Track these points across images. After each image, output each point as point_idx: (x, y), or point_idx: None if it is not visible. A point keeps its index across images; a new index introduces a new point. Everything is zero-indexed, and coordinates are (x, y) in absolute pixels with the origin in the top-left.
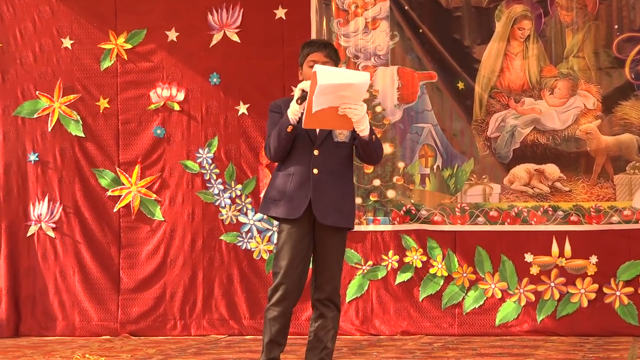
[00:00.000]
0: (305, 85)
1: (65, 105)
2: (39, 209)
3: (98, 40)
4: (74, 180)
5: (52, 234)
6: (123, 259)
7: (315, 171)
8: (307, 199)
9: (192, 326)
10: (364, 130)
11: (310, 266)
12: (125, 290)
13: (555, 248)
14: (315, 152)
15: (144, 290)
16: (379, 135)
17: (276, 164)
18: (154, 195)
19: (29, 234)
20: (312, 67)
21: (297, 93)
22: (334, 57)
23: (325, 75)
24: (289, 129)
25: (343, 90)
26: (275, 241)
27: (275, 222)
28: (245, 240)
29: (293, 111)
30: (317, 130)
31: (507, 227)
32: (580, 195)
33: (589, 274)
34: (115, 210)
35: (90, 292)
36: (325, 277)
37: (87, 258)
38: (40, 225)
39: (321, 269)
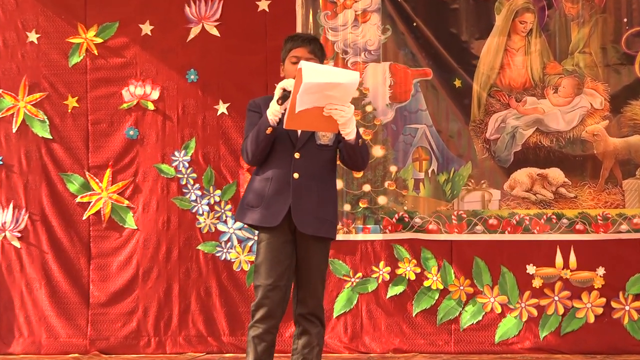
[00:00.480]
0: (286, 84)
1: (31, 105)
2: (3, 217)
3: (66, 34)
4: (40, 185)
5: (17, 243)
6: (93, 271)
7: (296, 176)
8: (286, 205)
9: (167, 343)
10: (350, 134)
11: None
12: (95, 304)
13: (559, 259)
14: (296, 156)
15: (116, 304)
16: (368, 137)
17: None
18: (126, 202)
19: None
20: (295, 63)
21: (277, 92)
22: (319, 53)
23: (312, 72)
24: (269, 130)
25: (330, 89)
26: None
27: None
28: (225, 250)
29: (273, 111)
30: (299, 131)
31: (507, 237)
32: (587, 201)
33: (595, 287)
34: (84, 217)
35: (58, 306)
36: (308, 290)
37: (55, 270)
38: (5, 235)
39: (303, 282)
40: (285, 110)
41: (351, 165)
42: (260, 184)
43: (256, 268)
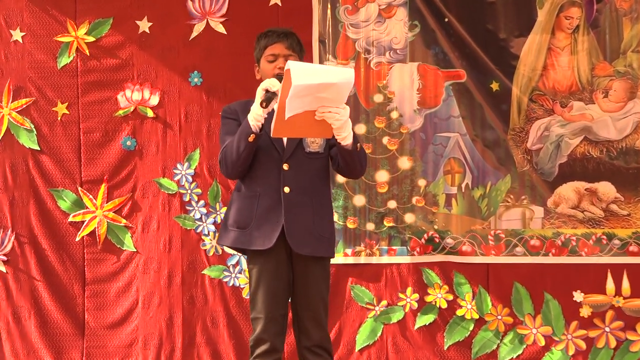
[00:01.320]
0: (268, 84)
1: (16, 112)
2: None
3: (54, 32)
4: (28, 202)
5: (2, 268)
6: (88, 298)
7: (287, 190)
8: (279, 224)
9: None
10: (346, 138)
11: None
12: (90, 335)
13: (610, 285)
14: (285, 167)
15: (113, 335)
16: (394, 148)
17: None
18: (124, 221)
19: None
20: (271, 62)
21: (259, 94)
22: (297, 48)
23: (301, 73)
24: (251, 137)
25: (322, 91)
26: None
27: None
28: (233, 275)
29: (255, 116)
30: (285, 139)
31: (551, 259)
32: None
33: None
34: (77, 239)
35: (49, 338)
36: (310, 319)
37: (45, 297)
38: None
39: (304, 310)
40: (267, 114)
41: (347, 172)
42: (246, 201)
43: (251, 298)
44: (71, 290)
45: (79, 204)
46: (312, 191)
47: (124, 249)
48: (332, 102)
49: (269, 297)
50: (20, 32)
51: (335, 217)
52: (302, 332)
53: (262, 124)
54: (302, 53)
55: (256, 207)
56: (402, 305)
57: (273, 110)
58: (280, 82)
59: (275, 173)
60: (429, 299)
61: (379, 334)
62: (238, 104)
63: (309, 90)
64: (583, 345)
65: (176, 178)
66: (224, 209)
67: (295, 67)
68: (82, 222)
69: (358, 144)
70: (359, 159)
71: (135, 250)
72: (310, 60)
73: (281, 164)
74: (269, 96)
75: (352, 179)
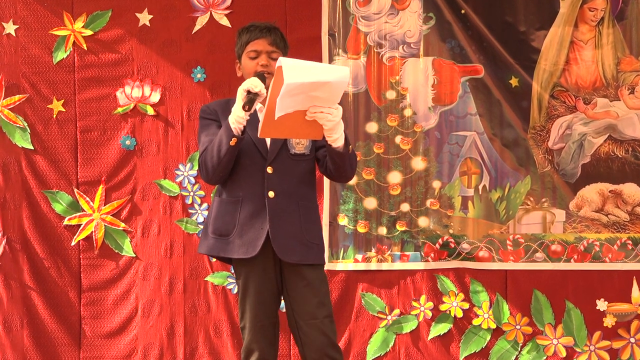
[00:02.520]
0: (250, 85)
1: (9, 109)
2: None
3: (50, 25)
4: (20, 205)
5: None
6: (84, 306)
7: (271, 194)
8: (263, 230)
9: None
10: (337, 140)
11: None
12: (87, 346)
13: (636, 293)
14: (269, 170)
15: (111, 346)
16: (407, 147)
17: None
18: (122, 225)
19: None
20: (253, 58)
21: (240, 95)
22: (281, 44)
23: (294, 71)
24: (233, 141)
25: (315, 89)
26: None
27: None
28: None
29: (237, 118)
30: (268, 140)
31: (573, 266)
32: None
33: None
34: (73, 243)
35: (43, 349)
36: (311, 328)
37: (39, 305)
38: None
39: (303, 320)
40: (251, 115)
41: (337, 176)
42: (228, 207)
43: (240, 306)
44: (66, 298)
45: (74, 207)
46: (299, 195)
47: (122, 254)
48: (325, 101)
49: (256, 306)
50: (14, 24)
51: (345, 221)
52: (305, 343)
53: (245, 126)
54: (286, 49)
55: (239, 213)
56: (416, 314)
57: (255, 111)
58: (263, 81)
59: (258, 177)
60: (443, 307)
61: (391, 345)
62: (217, 103)
63: (302, 89)
64: (607, 357)
65: (178, 179)
66: None
67: (288, 64)
68: (78, 225)
69: (350, 146)
70: (350, 162)
71: (134, 255)
72: (320, 55)
73: (265, 167)
74: (251, 98)
75: (341, 182)
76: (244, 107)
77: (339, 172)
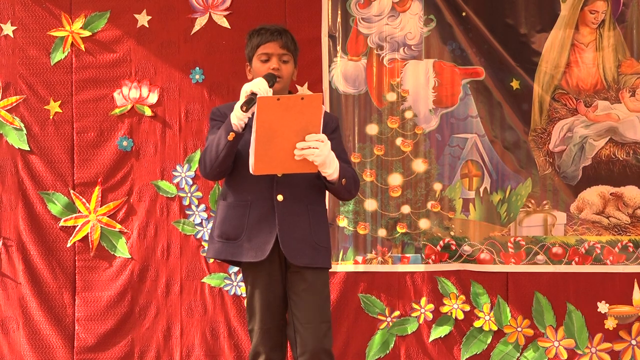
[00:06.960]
0: (254, 87)
1: (5, 110)
2: None
3: (48, 26)
4: (16, 206)
5: None
6: (79, 308)
7: (280, 198)
8: (272, 235)
9: None
10: (332, 174)
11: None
12: (81, 348)
13: (637, 295)
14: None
15: (106, 348)
16: (408, 149)
17: None
18: (119, 226)
19: None
20: (265, 61)
21: (243, 94)
22: (291, 47)
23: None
24: (231, 136)
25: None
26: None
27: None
28: (234, 283)
29: (238, 115)
30: None
31: (574, 268)
32: None
33: None
34: (69, 244)
35: (38, 350)
36: (308, 330)
37: (34, 307)
38: None
39: (302, 322)
40: (247, 118)
41: (339, 198)
42: (237, 210)
43: (247, 310)
44: (61, 300)
45: (70, 208)
46: (306, 199)
47: (118, 255)
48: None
49: (263, 308)
50: (12, 25)
51: (345, 223)
52: (298, 345)
53: (246, 124)
54: (297, 52)
55: (247, 217)
56: (416, 316)
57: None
58: (273, 82)
59: (267, 180)
60: (444, 309)
61: (391, 346)
62: (227, 106)
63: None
64: (608, 359)
65: (175, 180)
66: None
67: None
68: (74, 227)
69: (343, 179)
70: (348, 189)
71: (130, 257)
72: (319, 56)
73: None
74: (251, 98)
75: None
76: (241, 107)
77: (339, 197)
